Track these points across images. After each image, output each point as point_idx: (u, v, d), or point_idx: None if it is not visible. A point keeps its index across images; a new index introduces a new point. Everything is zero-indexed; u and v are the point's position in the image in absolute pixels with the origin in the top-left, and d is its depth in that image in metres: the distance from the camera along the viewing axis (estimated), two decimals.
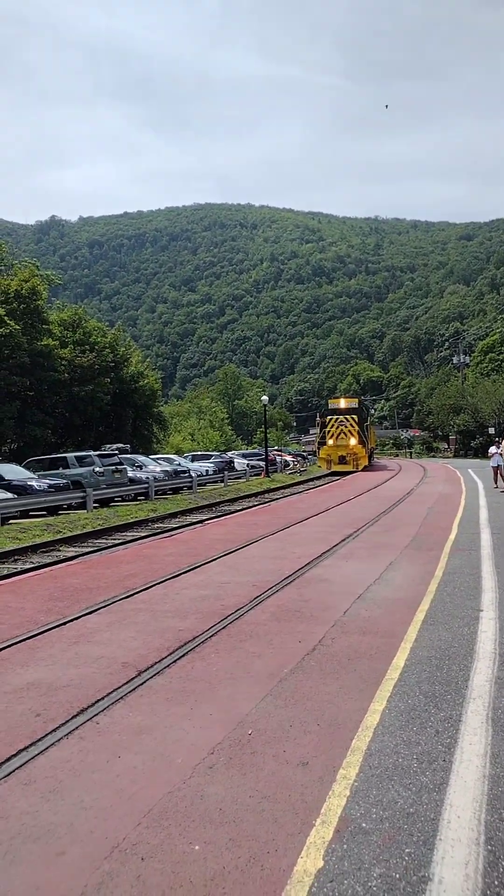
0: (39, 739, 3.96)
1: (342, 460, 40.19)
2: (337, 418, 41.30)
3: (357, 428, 40.61)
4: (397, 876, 2.57)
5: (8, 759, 3.71)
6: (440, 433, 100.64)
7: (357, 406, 43.39)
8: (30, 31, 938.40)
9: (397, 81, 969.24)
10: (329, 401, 46.16)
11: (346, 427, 40.71)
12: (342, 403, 43.54)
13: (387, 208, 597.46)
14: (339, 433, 40.84)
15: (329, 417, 41.91)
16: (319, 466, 43.82)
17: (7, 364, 32.75)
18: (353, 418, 40.97)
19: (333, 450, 40.79)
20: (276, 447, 66.76)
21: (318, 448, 43.65)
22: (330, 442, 41.07)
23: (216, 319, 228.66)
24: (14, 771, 3.58)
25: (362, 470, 39.62)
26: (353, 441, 40.43)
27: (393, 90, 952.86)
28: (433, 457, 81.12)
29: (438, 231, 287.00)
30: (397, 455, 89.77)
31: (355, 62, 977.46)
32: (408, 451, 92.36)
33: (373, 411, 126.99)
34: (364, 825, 2.94)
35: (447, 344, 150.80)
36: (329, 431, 41.24)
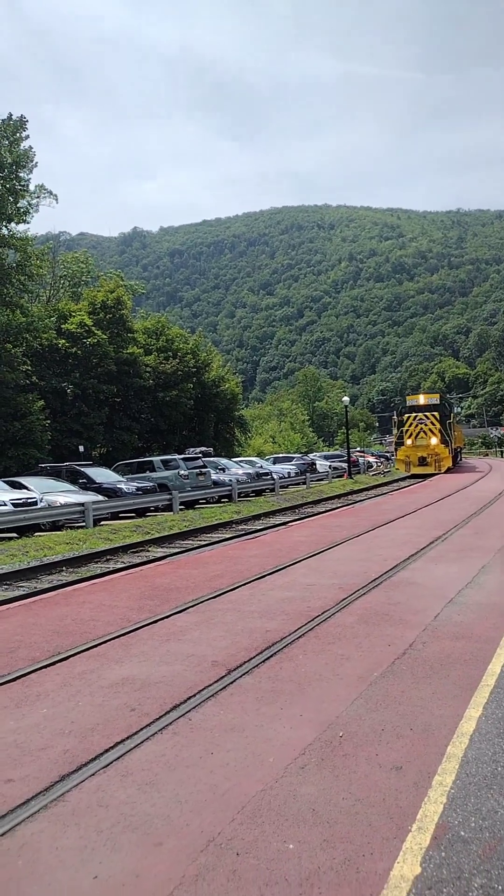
0: (135, 733, 4.09)
1: (422, 462, 37.30)
2: (416, 416, 38.14)
3: (439, 426, 37.48)
4: (500, 888, 2.47)
5: (106, 751, 3.85)
6: None
7: (438, 402, 40.10)
8: (110, 50, 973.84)
9: (476, 68, 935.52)
10: (407, 397, 42.34)
11: (426, 425, 37.54)
12: (421, 399, 40.37)
13: (469, 200, 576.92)
14: (419, 432, 37.75)
15: (407, 415, 38.83)
16: (398, 469, 40.76)
17: (96, 372, 34.18)
18: (433, 415, 37.82)
19: (412, 450, 37.81)
20: (358, 448, 65.94)
21: (396, 449, 40.65)
22: (408, 442, 38.06)
23: (295, 322, 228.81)
24: (112, 762, 3.71)
25: (445, 472, 36.71)
26: (434, 440, 37.34)
27: (471, 77, 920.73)
28: None
29: None
30: (486, 455, 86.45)
31: (431, 52, 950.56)
32: (498, 450, 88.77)
33: (458, 409, 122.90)
34: (463, 834, 2.85)
35: None
36: (407, 430, 38.22)
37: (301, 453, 53.80)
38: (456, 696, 4.43)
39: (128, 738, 4.03)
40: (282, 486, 29.00)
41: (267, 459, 40.96)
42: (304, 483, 31.38)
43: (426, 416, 37.88)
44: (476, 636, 5.80)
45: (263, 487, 27.55)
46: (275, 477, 29.28)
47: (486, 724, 3.98)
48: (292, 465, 37.24)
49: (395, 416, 42.37)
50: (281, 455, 47.58)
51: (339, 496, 25.54)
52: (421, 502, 19.47)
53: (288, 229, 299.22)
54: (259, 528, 16.15)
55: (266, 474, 29.67)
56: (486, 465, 46.73)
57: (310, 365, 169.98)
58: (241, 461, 33.83)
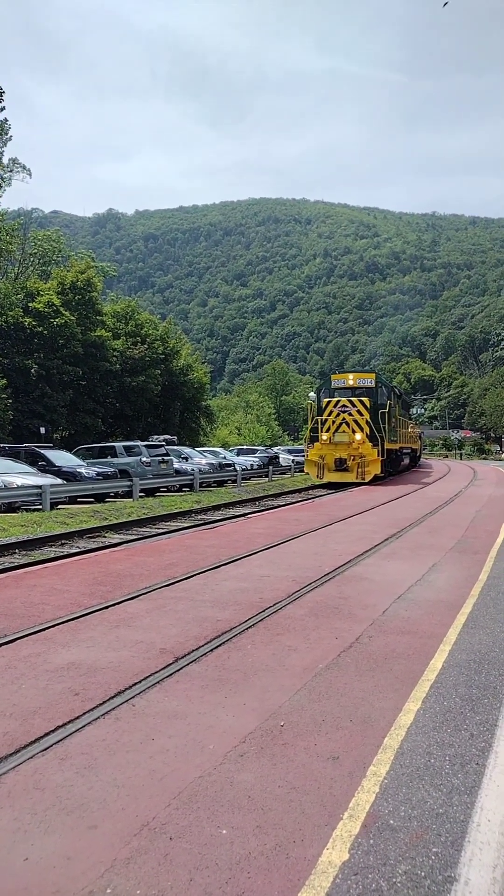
0: (77, 717, 4.08)
1: (340, 465, 26.31)
2: (338, 401, 27.21)
3: (367, 416, 26.40)
4: (423, 874, 2.55)
5: (46, 735, 3.83)
6: (493, 435, 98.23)
7: (373, 385, 27.89)
8: (90, 26, 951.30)
9: (457, 74, 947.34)
10: (332, 376, 29.75)
11: (350, 415, 26.56)
12: (350, 380, 28.27)
13: (445, 204, 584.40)
14: (340, 424, 26.72)
15: (328, 400, 27.76)
16: (306, 473, 29.42)
17: (61, 353, 33.62)
18: (362, 402, 26.77)
19: (329, 449, 26.63)
20: None
21: (309, 444, 28.69)
22: (324, 437, 26.83)
23: (267, 315, 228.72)
24: (51, 746, 3.69)
25: (371, 482, 25.91)
26: (358, 436, 26.20)
27: (452, 83, 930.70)
28: (484, 459, 79.32)
29: (498, 228, 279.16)
30: (447, 456, 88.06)
31: (414, 55, 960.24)
32: (458, 452, 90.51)
33: (422, 410, 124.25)
34: (392, 822, 2.93)
35: (503, 344, 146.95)
36: (325, 420, 27.08)
37: (266, 446, 53.93)
38: (397, 690, 4.53)
39: (69, 722, 4.01)
40: (244, 478, 29.07)
41: (231, 450, 40.98)
42: (267, 476, 31.51)
43: (352, 402, 26.97)
44: (421, 632, 5.93)
45: (226, 478, 27.58)
46: (237, 468, 29.34)
47: (423, 717, 4.08)
48: (256, 457, 37.38)
49: (311, 400, 29.99)
50: (245, 447, 47.62)
51: (299, 490, 25.72)
52: (379, 499, 19.75)
53: (265, 221, 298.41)
54: (218, 518, 16.17)
55: (229, 465, 29.70)
56: (445, 467, 47.56)
57: (279, 359, 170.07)
58: (204, 451, 33.78)
